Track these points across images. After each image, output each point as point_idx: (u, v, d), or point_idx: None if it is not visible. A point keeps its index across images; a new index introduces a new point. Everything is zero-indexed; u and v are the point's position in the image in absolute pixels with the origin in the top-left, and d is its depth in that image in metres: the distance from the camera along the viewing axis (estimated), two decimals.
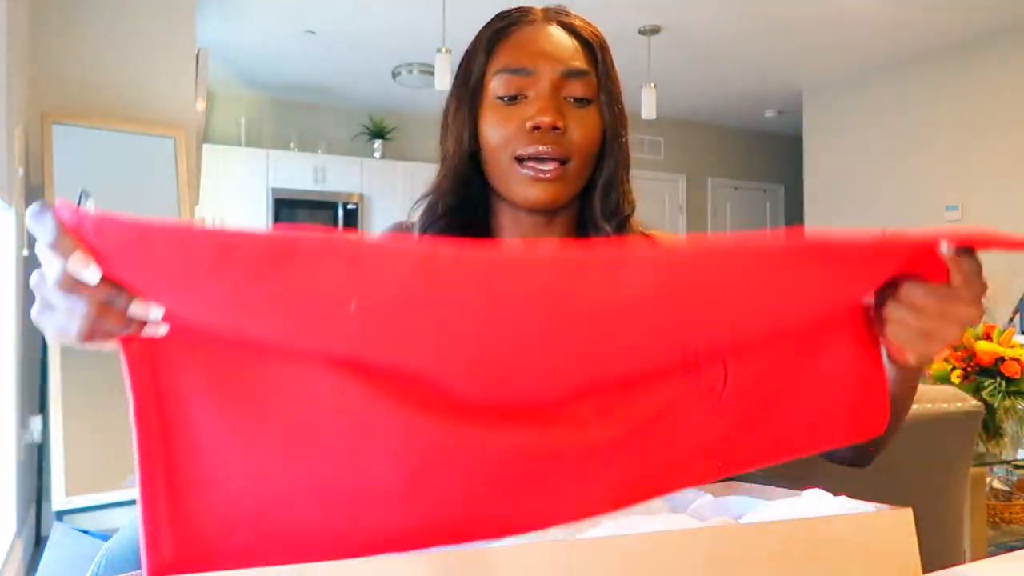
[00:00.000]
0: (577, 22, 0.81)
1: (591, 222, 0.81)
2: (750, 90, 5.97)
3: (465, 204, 0.81)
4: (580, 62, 0.77)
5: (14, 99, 2.30)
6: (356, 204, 5.83)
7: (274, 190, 5.59)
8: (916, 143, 5.13)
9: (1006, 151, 4.60)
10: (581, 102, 0.77)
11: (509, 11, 0.81)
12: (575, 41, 0.78)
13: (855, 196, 5.56)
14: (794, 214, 7.28)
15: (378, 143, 6.03)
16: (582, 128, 0.76)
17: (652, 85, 4.67)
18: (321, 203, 5.73)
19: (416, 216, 0.85)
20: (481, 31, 0.82)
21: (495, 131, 0.77)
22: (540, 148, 0.74)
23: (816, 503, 0.59)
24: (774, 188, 7.53)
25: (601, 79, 0.78)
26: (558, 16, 0.80)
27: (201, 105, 3.54)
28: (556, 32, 0.78)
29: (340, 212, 5.78)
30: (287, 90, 5.71)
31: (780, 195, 7.56)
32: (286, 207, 5.62)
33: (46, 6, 2.91)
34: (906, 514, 0.52)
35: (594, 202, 0.81)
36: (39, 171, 2.73)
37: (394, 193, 5.92)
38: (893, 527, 0.51)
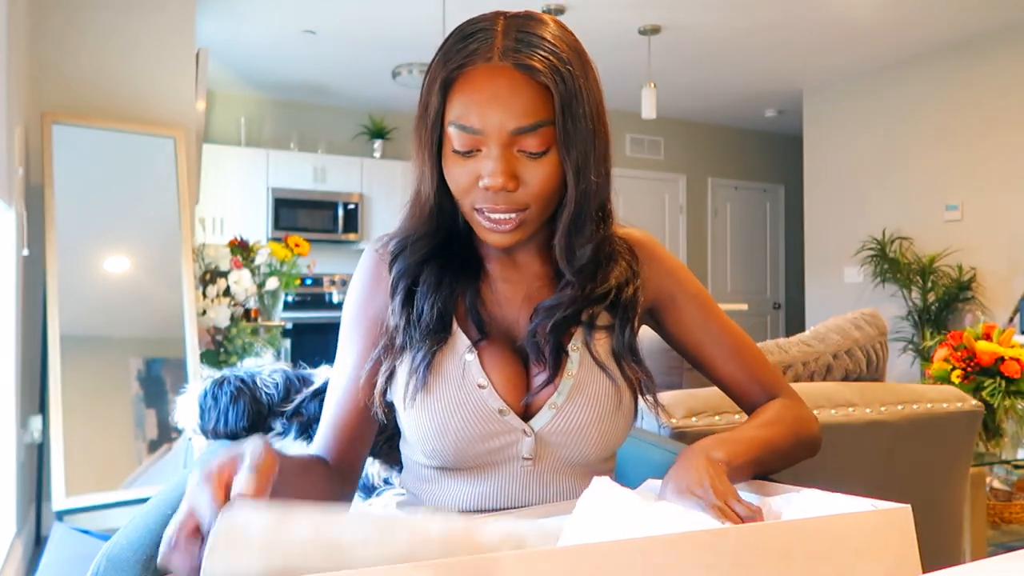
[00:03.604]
0: (537, 60, 0.72)
1: (561, 250, 0.81)
2: (750, 90, 5.97)
3: (441, 232, 0.83)
4: (533, 116, 0.72)
5: (14, 99, 2.30)
6: (356, 204, 5.83)
7: (274, 190, 5.59)
8: (916, 143, 5.13)
9: (1006, 151, 4.60)
10: (535, 155, 0.74)
11: (469, 33, 0.75)
12: (531, 86, 0.72)
13: (855, 196, 5.56)
14: (794, 214, 7.28)
15: (378, 143, 6.03)
16: (537, 179, 0.75)
17: (652, 85, 4.68)
18: (321, 203, 5.73)
19: (391, 247, 0.86)
20: (438, 60, 0.76)
21: (454, 182, 0.77)
22: (494, 206, 0.75)
23: (814, 501, 0.59)
24: (774, 188, 7.53)
25: (559, 125, 0.73)
26: (517, 53, 0.72)
27: (201, 105, 3.54)
28: (511, 79, 0.72)
29: (340, 212, 5.78)
30: (287, 90, 5.72)
31: (780, 195, 7.56)
32: (286, 207, 5.62)
33: (46, 6, 2.91)
34: (905, 511, 0.52)
35: (558, 240, 0.81)
36: (39, 171, 2.73)
37: (394, 193, 5.92)
38: (892, 524, 0.51)
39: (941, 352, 2.02)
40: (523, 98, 0.72)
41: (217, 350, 3.13)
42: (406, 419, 0.82)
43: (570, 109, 0.73)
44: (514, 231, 0.77)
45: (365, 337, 0.85)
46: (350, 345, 0.86)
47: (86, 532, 2.36)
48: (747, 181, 7.39)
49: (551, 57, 0.73)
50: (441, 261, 0.83)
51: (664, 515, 0.52)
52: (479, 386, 0.79)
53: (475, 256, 0.87)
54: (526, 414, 0.81)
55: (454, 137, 0.74)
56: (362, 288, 0.87)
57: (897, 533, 0.51)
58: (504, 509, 0.82)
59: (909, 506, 0.52)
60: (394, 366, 0.82)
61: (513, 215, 0.76)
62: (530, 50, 0.73)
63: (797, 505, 0.59)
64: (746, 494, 0.68)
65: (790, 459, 0.83)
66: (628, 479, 0.95)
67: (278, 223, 5.55)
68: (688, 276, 0.93)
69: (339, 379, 0.86)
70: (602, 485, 0.56)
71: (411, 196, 0.83)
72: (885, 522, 0.51)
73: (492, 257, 0.87)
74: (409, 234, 0.84)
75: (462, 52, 0.74)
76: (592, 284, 0.82)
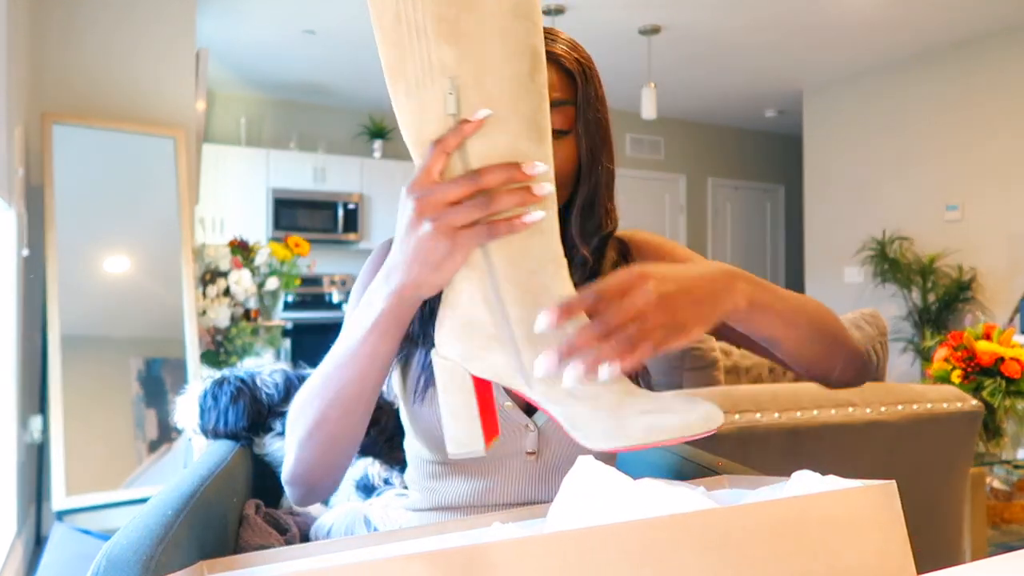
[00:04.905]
0: (560, 49, 0.79)
1: (571, 239, 0.83)
2: (750, 90, 5.97)
3: None
4: (557, 93, 0.77)
5: (14, 99, 2.30)
6: (356, 204, 5.83)
7: (274, 190, 5.59)
8: (916, 143, 5.13)
9: (1006, 151, 4.60)
10: (556, 134, 0.78)
11: None
12: (556, 71, 0.78)
13: (855, 196, 5.56)
14: (794, 214, 7.29)
15: (378, 143, 6.04)
16: (557, 159, 0.77)
17: (652, 85, 4.68)
18: (321, 203, 5.73)
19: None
20: None
21: None
22: None
23: (804, 483, 0.59)
24: (774, 188, 7.54)
25: (580, 108, 0.79)
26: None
27: (201, 105, 3.54)
28: None
29: (340, 212, 5.78)
30: (287, 90, 5.72)
31: (780, 195, 7.56)
32: (286, 207, 5.62)
33: (46, 6, 2.91)
34: (890, 486, 0.53)
35: (572, 223, 0.83)
36: (39, 171, 2.73)
37: (394, 193, 5.92)
38: (879, 500, 0.53)
39: (941, 352, 2.02)
40: (550, 76, 0.77)
41: (217, 350, 3.13)
42: (414, 414, 0.83)
43: (588, 96, 0.79)
44: None
45: None
46: None
47: (86, 532, 2.36)
48: (747, 181, 7.39)
49: (572, 51, 0.80)
50: None
51: (650, 494, 0.53)
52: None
53: None
54: (529, 409, 0.82)
55: None
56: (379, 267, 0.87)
57: (884, 508, 0.52)
58: (508, 504, 0.82)
59: (894, 482, 0.53)
60: (408, 354, 0.83)
61: None
62: (552, 43, 0.79)
63: (788, 490, 0.60)
64: (734, 490, 0.68)
65: (819, 336, 0.75)
66: None
67: (278, 223, 5.55)
68: (676, 247, 0.92)
69: None
70: (586, 465, 0.56)
71: None
72: (872, 497, 0.52)
73: None
74: None
75: None
76: (588, 271, 0.84)
